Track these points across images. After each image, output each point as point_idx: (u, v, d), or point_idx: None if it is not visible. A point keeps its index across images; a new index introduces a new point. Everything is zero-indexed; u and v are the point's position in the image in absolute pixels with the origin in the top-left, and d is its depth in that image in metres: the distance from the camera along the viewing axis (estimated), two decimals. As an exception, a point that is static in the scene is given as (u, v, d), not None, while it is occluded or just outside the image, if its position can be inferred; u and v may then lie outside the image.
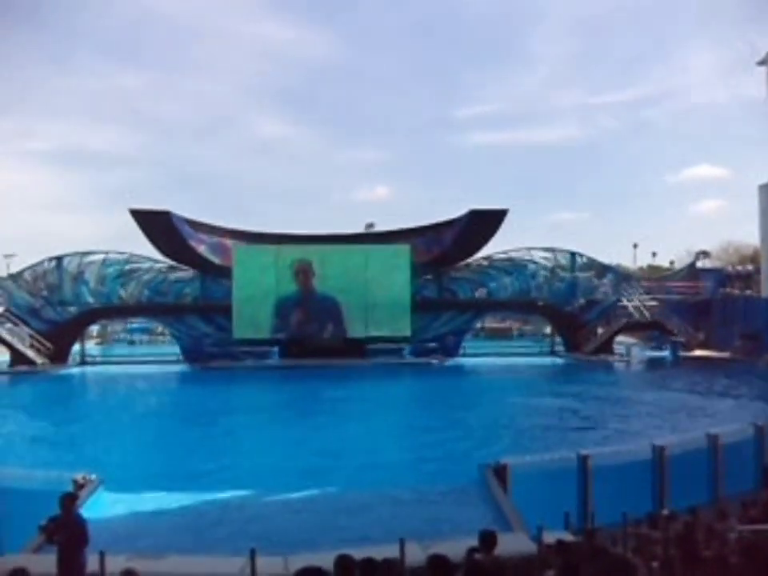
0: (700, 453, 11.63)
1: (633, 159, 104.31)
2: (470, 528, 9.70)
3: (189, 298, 41.96)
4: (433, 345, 41.40)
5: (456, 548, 6.15)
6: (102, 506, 11.45)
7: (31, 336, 38.34)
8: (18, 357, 37.28)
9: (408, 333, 40.19)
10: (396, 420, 23.60)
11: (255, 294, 39.26)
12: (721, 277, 44.64)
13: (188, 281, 42.11)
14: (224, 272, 39.92)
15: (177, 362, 40.78)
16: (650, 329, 44.52)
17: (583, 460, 10.59)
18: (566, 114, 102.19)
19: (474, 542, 6.03)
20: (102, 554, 7.30)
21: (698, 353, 39.66)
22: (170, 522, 11.28)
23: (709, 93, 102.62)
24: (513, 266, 43.38)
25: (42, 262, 40.73)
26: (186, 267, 41.59)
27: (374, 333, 39.94)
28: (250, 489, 13.17)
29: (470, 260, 42.92)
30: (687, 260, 51.02)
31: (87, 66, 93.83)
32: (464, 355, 42.22)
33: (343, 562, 4.87)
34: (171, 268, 41.82)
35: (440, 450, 17.30)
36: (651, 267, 63.33)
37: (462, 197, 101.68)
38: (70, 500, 7.34)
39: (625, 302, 41.64)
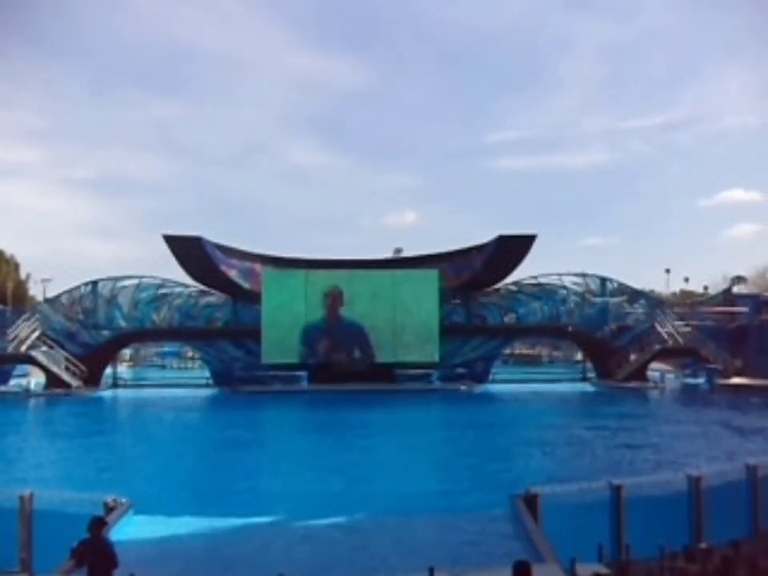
0: (739, 484, 11.25)
1: (664, 184, 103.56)
2: (500, 558, 9.54)
3: (219, 323, 42.49)
4: (461, 370, 41.09)
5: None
6: (132, 529, 11.48)
7: (66, 359, 39.10)
8: (53, 379, 37.98)
9: (436, 358, 39.98)
10: (423, 447, 23.33)
11: (284, 319, 39.55)
12: (757, 303, 43.55)
13: (219, 305, 42.69)
14: (254, 297, 40.36)
15: (207, 385, 41.16)
16: (684, 355, 43.55)
17: (616, 490, 10.32)
18: (595, 138, 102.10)
19: (503, 571, 5.91)
20: (131, 578, 7.33)
21: (735, 380, 38.61)
22: (198, 546, 11.27)
23: (741, 116, 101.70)
24: (542, 292, 43.05)
25: (78, 287, 41.71)
26: (216, 292, 42.18)
27: (403, 358, 39.84)
28: (278, 514, 13.12)
29: (498, 285, 42.73)
30: (722, 285, 50.03)
31: (125, 97, 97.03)
32: (493, 381, 41.78)
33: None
34: (202, 293, 42.47)
35: (469, 479, 17.05)
36: (684, 293, 62.22)
37: (491, 222, 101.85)
38: (98, 524, 7.39)
39: (658, 328, 40.88)
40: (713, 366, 40.12)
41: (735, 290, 45.71)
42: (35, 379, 39.31)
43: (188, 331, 42.02)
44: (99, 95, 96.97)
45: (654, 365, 42.68)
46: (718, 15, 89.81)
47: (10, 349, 38.25)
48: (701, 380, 41.49)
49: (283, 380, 39.53)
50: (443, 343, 40.19)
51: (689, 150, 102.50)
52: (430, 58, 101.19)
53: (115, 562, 7.09)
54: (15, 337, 38.63)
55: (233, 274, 40.72)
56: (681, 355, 43.77)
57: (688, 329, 41.05)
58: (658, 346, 40.61)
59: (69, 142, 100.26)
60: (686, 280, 61.90)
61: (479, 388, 39.75)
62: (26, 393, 37.64)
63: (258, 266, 41.75)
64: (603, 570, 8.56)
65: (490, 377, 42.14)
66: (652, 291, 52.92)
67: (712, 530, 10.16)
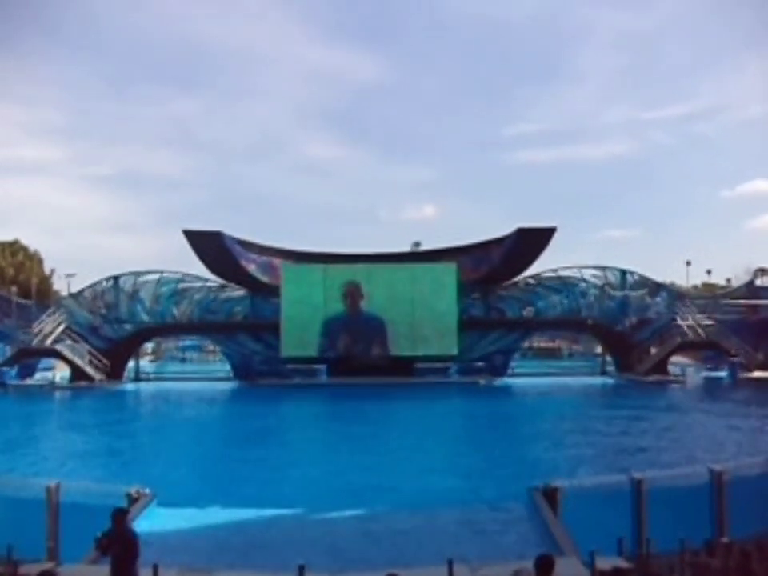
0: (762, 478, 11.12)
1: (685, 174, 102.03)
2: (519, 551, 9.56)
3: (239, 317, 42.77)
4: (480, 364, 40.99)
5: (504, 571, 6.07)
6: (155, 520, 11.66)
7: (90, 353, 39.68)
8: (77, 372, 38.58)
9: (455, 351, 39.93)
10: (442, 441, 23.36)
11: (303, 313, 39.71)
12: (781, 295, 42.85)
13: (238, 300, 42.98)
14: (273, 291, 40.59)
15: (227, 379, 41.54)
16: (705, 349, 42.99)
17: (637, 483, 10.26)
18: (615, 129, 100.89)
19: (522, 564, 5.94)
20: (155, 567, 7.46)
21: (757, 374, 38.06)
22: (220, 536, 11.42)
23: (763, 105, 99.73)
24: (562, 285, 42.74)
25: (100, 282, 42.26)
26: (236, 286, 42.47)
27: (421, 351, 39.84)
28: (298, 506, 13.23)
29: (517, 278, 42.50)
30: (745, 278, 49.25)
31: (143, 93, 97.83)
32: (512, 375, 41.65)
33: (391, 581, 4.89)
34: (222, 287, 42.80)
35: (489, 473, 17.04)
36: (706, 285, 61.40)
37: (510, 215, 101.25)
38: (121, 515, 7.52)
39: (679, 321, 40.41)
40: (735, 359, 39.59)
41: (758, 282, 44.99)
42: (60, 372, 39.98)
43: (208, 325, 42.41)
44: (118, 92, 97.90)
45: (675, 358, 42.22)
46: (739, 2, 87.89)
47: (36, 342, 38.93)
48: (722, 373, 40.97)
49: (303, 373, 39.75)
50: (462, 337, 40.10)
51: (710, 141, 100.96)
52: (448, 50, 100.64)
53: (136, 552, 7.22)
54: (40, 331, 39.30)
55: (252, 268, 40.97)
56: (702, 348, 43.24)
57: (710, 322, 40.53)
58: (678, 340, 40.17)
59: (89, 139, 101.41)
60: (709, 272, 61.06)
61: (498, 381, 39.65)
62: (52, 386, 38.32)
63: (276, 261, 41.95)
64: (623, 563, 8.54)
65: (509, 370, 42.02)
66: (673, 284, 52.33)
67: (734, 525, 10.07)
